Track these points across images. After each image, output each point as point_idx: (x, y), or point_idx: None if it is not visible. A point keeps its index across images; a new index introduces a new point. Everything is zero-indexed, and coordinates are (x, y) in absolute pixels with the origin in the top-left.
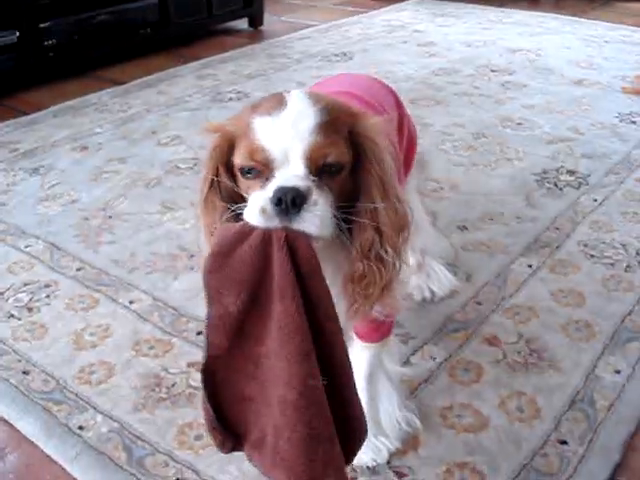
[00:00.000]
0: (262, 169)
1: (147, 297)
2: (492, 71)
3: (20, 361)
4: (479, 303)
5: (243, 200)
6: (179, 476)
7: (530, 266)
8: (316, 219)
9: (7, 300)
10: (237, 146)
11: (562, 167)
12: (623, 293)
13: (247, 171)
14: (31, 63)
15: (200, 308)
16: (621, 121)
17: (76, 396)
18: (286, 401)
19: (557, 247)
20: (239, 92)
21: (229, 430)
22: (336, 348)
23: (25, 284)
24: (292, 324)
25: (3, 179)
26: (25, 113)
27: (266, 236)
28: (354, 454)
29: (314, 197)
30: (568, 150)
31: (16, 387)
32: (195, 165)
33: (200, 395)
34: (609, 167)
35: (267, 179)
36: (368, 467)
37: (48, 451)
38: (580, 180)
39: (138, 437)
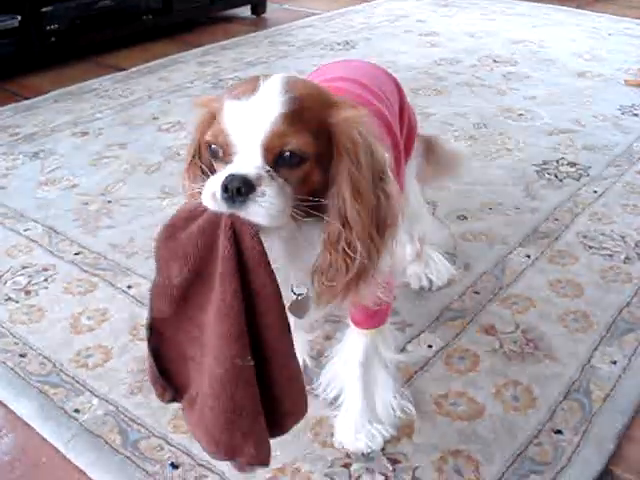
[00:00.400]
0: (224, 152)
1: (145, 282)
2: (494, 62)
3: (17, 344)
4: (477, 292)
5: None
6: (174, 460)
7: (528, 256)
8: (261, 209)
9: (5, 283)
10: (212, 124)
11: (563, 158)
12: (621, 284)
13: (212, 151)
14: (32, 48)
15: None
16: (623, 113)
17: (72, 379)
18: (214, 374)
19: (556, 238)
20: (240, 79)
21: (171, 383)
22: (271, 335)
23: (23, 267)
24: (225, 308)
25: (3, 163)
26: (26, 98)
27: (215, 220)
28: (284, 429)
29: (262, 187)
30: (569, 142)
31: (13, 370)
32: None
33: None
34: (610, 159)
35: (227, 163)
36: (363, 453)
37: (44, 433)
38: (580, 172)
39: (133, 420)
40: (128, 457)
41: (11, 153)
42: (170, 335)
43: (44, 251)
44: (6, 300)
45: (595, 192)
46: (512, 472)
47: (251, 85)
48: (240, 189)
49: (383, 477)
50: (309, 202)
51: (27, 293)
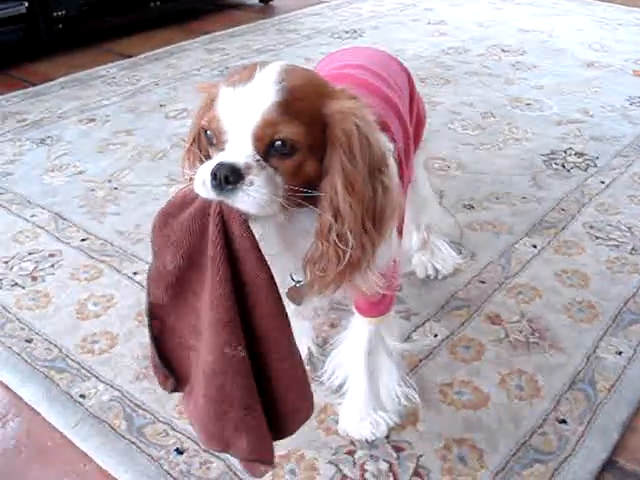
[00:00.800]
0: (217, 139)
1: None
2: (503, 51)
3: (23, 329)
4: (482, 282)
5: None
6: (178, 445)
7: (535, 246)
8: (248, 198)
9: (12, 269)
10: (210, 110)
11: (570, 149)
12: (627, 275)
13: (208, 137)
14: (39, 34)
15: None
16: (631, 104)
17: (78, 365)
18: (206, 362)
19: (562, 228)
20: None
21: (173, 372)
22: (267, 325)
23: (30, 253)
24: (214, 295)
25: (10, 149)
26: (33, 84)
27: (205, 207)
28: (289, 429)
29: (251, 177)
30: (577, 132)
31: (19, 355)
32: None
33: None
34: (618, 150)
35: (220, 150)
36: (367, 441)
37: (49, 418)
38: (588, 162)
39: (139, 406)
40: (133, 442)
41: (18, 139)
42: (171, 324)
43: (50, 237)
44: (12, 286)
45: (602, 183)
46: (516, 461)
47: (248, 72)
48: (228, 177)
49: (387, 464)
50: (301, 192)
51: (33, 279)
